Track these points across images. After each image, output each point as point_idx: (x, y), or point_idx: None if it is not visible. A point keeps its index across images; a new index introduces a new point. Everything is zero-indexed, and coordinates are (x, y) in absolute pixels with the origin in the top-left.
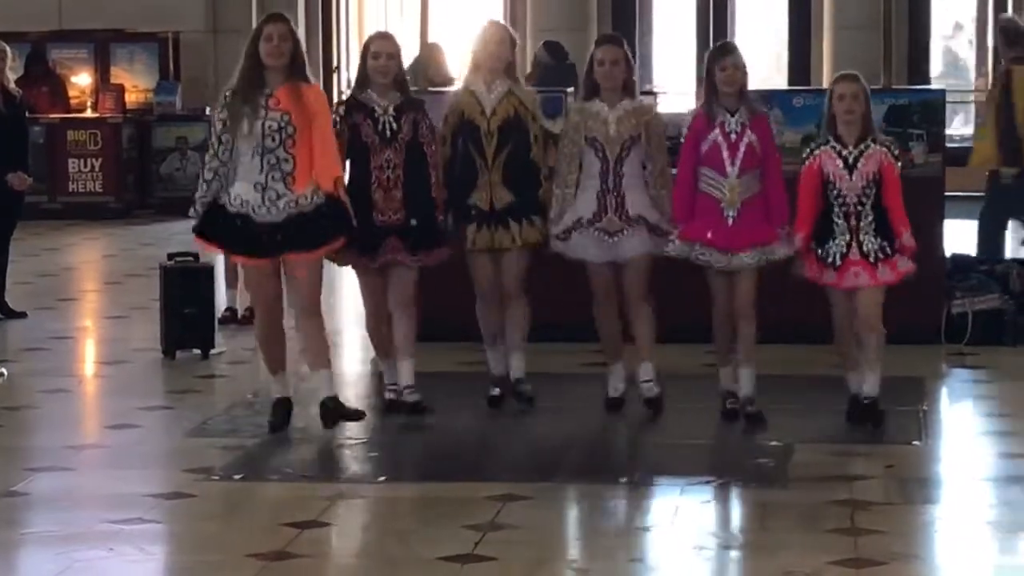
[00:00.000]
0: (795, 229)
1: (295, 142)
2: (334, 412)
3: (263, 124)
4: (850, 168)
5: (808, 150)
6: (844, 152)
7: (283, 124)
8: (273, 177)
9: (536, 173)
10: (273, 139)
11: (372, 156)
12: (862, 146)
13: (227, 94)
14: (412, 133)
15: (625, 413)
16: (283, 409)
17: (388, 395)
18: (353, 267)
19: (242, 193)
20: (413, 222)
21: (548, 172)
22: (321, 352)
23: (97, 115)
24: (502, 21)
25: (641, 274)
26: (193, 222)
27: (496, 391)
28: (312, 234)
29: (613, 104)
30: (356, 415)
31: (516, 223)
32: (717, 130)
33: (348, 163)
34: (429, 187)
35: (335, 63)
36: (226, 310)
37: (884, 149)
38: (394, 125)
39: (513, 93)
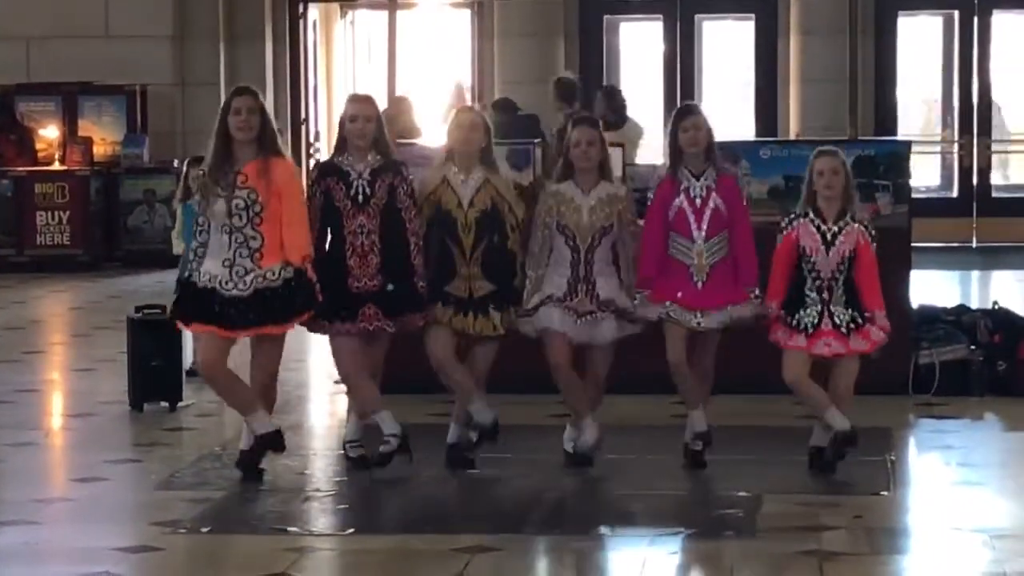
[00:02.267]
0: (768, 298)
1: (262, 219)
2: (248, 458)
3: (230, 203)
4: (827, 244)
5: (787, 220)
6: (823, 227)
7: (250, 202)
8: (241, 254)
9: (513, 261)
10: (240, 217)
11: (345, 221)
12: (841, 223)
13: (200, 174)
14: (388, 197)
15: (593, 465)
16: (277, 439)
17: (381, 447)
18: (329, 334)
19: (211, 269)
20: (390, 287)
21: (523, 262)
22: (267, 402)
23: (65, 168)
24: (475, 107)
25: (608, 358)
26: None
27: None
28: (280, 308)
29: (587, 187)
30: (258, 472)
31: (496, 312)
32: (682, 196)
33: (322, 228)
34: (406, 252)
35: (303, 115)
36: (194, 362)
37: (862, 228)
38: (367, 190)
39: (490, 182)
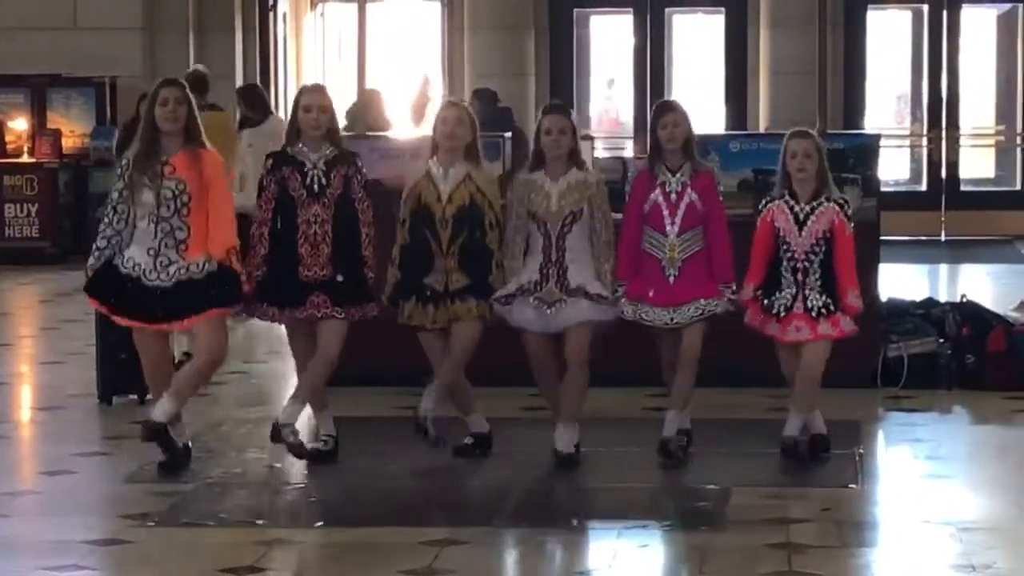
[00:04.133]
0: (746, 280)
1: (190, 211)
2: (159, 439)
3: (158, 193)
4: (800, 224)
5: (763, 203)
6: (796, 208)
7: (178, 192)
8: (166, 244)
9: (491, 258)
10: (168, 207)
11: (299, 210)
12: (815, 203)
13: (124, 163)
14: (343, 188)
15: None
16: (161, 434)
17: (318, 444)
18: (281, 323)
19: (135, 256)
20: (339, 278)
21: (500, 259)
22: (182, 390)
23: (34, 160)
24: (461, 101)
25: (580, 341)
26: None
27: (469, 440)
28: (199, 299)
29: (557, 175)
30: (177, 452)
31: (472, 298)
32: (658, 190)
33: (274, 217)
34: (358, 243)
35: (273, 107)
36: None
37: (837, 207)
38: (323, 180)
39: (471, 178)
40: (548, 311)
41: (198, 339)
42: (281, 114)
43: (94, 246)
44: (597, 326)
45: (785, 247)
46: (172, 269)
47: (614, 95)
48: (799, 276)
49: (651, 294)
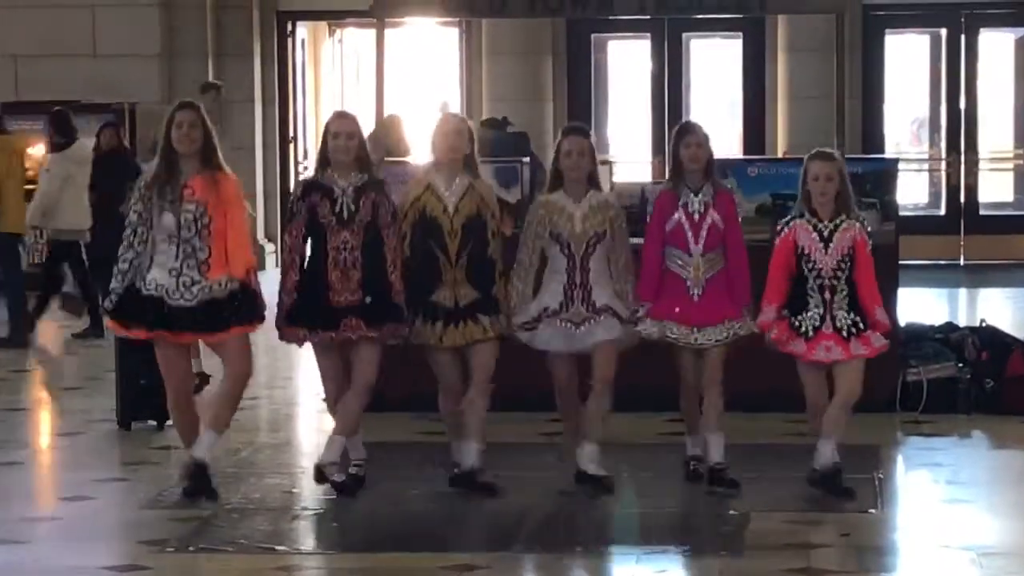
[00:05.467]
0: (766, 301)
1: (210, 232)
2: (196, 478)
3: (179, 215)
4: (825, 242)
5: (783, 223)
6: (819, 226)
7: (198, 215)
8: (188, 265)
9: (494, 269)
10: (189, 229)
11: (329, 236)
12: (838, 220)
13: (142, 186)
14: (372, 214)
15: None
16: (200, 474)
17: (352, 470)
18: (312, 347)
19: (157, 278)
20: (368, 299)
21: (504, 268)
22: (220, 415)
23: None
24: (459, 112)
25: (608, 359)
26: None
27: (458, 471)
28: (222, 317)
29: (578, 196)
30: (211, 493)
31: (484, 316)
32: (680, 211)
33: (305, 244)
34: (386, 270)
35: (291, 133)
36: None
37: (858, 225)
38: (352, 207)
39: (474, 188)
40: (577, 331)
41: (224, 358)
42: (300, 140)
43: (115, 269)
44: (620, 346)
45: (810, 266)
46: (195, 289)
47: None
48: (826, 295)
49: (677, 310)
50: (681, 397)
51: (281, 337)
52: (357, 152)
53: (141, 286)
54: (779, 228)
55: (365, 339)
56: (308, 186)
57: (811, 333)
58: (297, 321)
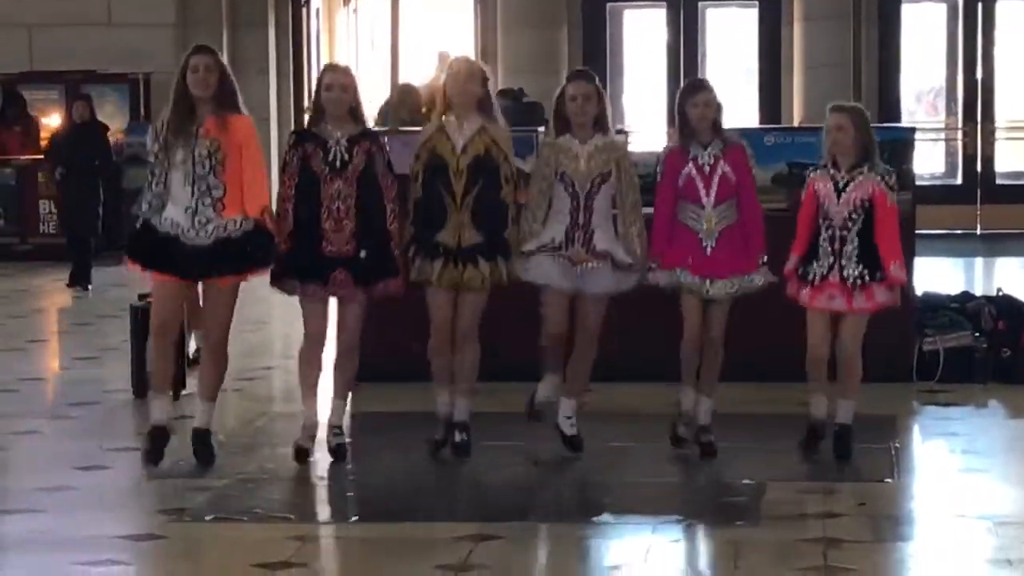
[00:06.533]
0: (792, 251)
1: (224, 169)
2: (203, 446)
3: (194, 152)
4: (839, 192)
5: (809, 173)
6: (836, 176)
7: (212, 151)
8: (203, 203)
9: (505, 213)
10: (203, 166)
11: (323, 186)
12: (856, 171)
13: (158, 125)
14: (365, 164)
15: (594, 452)
16: (160, 439)
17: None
18: (299, 295)
19: (173, 216)
20: (363, 254)
21: (516, 212)
22: (211, 384)
23: None
24: (471, 56)
25: (600, 310)
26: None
27: (441, 435)
28: (237, 259)
29: (584, 140)
30: (209, 458)
31: (485, 262)
32: (690, 164)
33: (298, 193)
34: (382, 219)
35: (306, 103)
36: (196, 351)
37: (878, 178)
38: (345, 156)
39: (486, 130)
40: (575, 269)
41: (207, 306)
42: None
43: (143, 202)
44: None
45: (824, 215)
46: (210, 227)
47: None
48: (836, 245)
49: (689, 261)
50: (682, 349)
51: (273, 285)
52: (350, 104)
53: (157, 224)
54: (806, 174)
55: (350, 301)
56: (301, 136)
57: (817, 281)
58: (289, 271)
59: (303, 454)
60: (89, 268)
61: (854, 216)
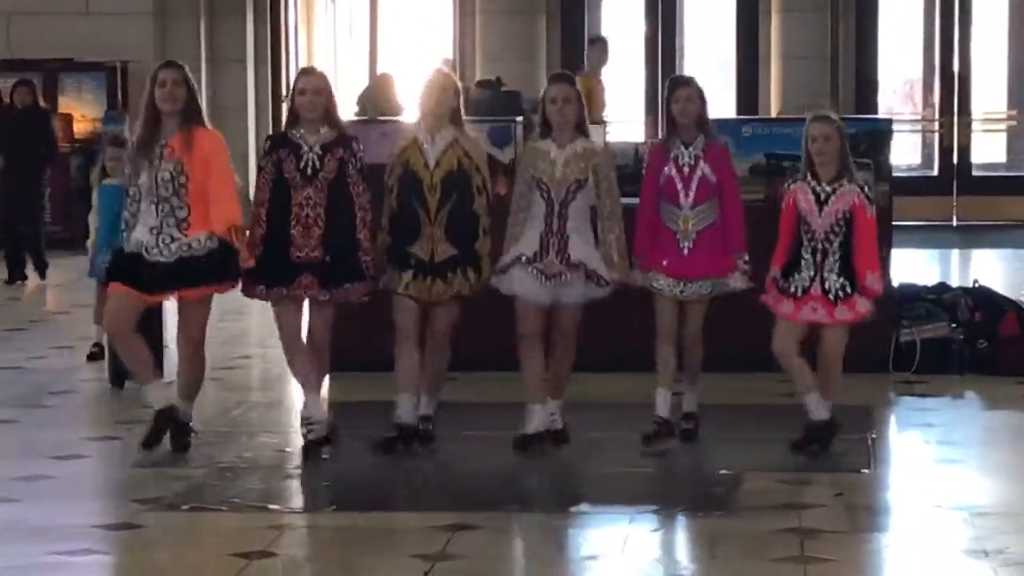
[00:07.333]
0: (772, 261)
1: (188, 191)
2: (178, 431)
3: (157, 175)
4: (821, 204)
5: (787, 184)
6: (817, 188)
7: (175, 174)
8: (168, 223)
9: (477, 224)
10: (166, 188)
11: (293, 192)
12: (836, 184)
13: (130, 147)
14: (337, 171)
15: (572, 442)
16: (165, 423)
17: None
18: (269, 301)
19: (138, 235)
20: (328, 258)
21: (489, 224)
22: (191, 385)
23: None
24: (446, 69)
25: (576, 315)
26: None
27: (393, 434)
28: (200, 273)
29: (563, 144)
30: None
31: (453, 274)
32: (671, 164)
33: (271, 198)
34: (351, 226)
35: (284, 92)
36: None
37: (857, 189)
38: (317, 164)
39: (458, 143)
40: (546, 283)
41: (181, 320)
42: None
43: (123, 224)
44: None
45: (806, 227)
46: (174, 246)
47: None
48: (818, 257)
49: (664, 263)
50: (657, 346)
51: (242, 291)
52: (324, 108)
53: (124, 245)
54: (783, 189)
55: (316, 302)
56: (276, 142)
57: (799, 294)
58: (257, 276)
59: (315, 446)
60: (39, 257)
61: (836, 228)
